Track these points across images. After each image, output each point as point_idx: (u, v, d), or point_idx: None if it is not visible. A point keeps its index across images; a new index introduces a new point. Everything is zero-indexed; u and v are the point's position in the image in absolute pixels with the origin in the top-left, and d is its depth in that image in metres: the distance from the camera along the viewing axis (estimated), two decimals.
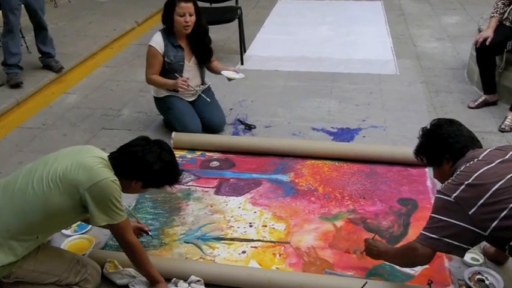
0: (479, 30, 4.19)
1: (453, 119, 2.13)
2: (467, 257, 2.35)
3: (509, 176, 1.81)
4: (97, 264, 2.25)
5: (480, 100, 3.90)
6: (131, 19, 6.28)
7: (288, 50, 5.29)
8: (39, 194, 1.94)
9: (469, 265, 2.31)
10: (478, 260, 2.34)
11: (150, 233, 2.53)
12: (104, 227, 2.04)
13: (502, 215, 1.76)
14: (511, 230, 1.77)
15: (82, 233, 2.61)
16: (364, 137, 3.54)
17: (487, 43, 3.70)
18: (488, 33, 3.72)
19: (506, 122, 3.56)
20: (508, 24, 3.74)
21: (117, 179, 2.01)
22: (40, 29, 4.55)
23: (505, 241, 1.81)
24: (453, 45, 5.29)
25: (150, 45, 3.39)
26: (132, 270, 2.26)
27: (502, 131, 3.53)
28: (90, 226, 2.63)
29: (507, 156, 1.90)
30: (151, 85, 3.57)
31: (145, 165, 2.06)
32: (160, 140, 2.20)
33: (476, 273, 2.21)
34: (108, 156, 2.09)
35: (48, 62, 4.70)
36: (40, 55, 4.71)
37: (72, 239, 2.56)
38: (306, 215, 2.75)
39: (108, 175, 1.98)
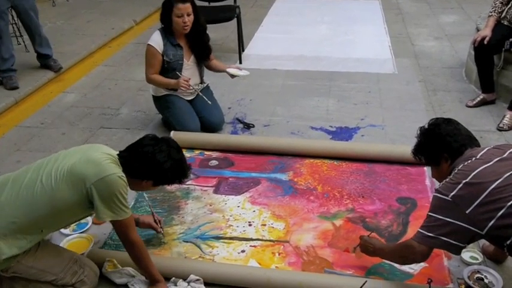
0: (477, 29, 4.19)
1: (451, 118, 2.14)
2: (467, 255, 2.35)
3: (507, 174, 1.81)
4: (95, 266, 2.24)
5: (478, 99, 3.90)
6: (129, 18, 6.27)
7: (287, 49, 5.29)
8: (47, 188, 1.96)
9: (468, 264, 2.32)
10: (477, 259, 2.35)
11: (162, 231, 2.55)
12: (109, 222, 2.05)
13: (499, 214, 1.77)
14: (508, 228, 1.77)
15: (81, 232, 2.61)
16: (362, 135, 3.54)
17: (485, 42, 3.70)
18: (486, 32, 3.72)
19: (504, 121, 3.56)
20: (506, 23, 3.75)
21: (124, 175, 2.02)
22: (35, 31, 4.45)
23: (503, 239, 1.81)
24: (451, 44, 5.30)
25: (149, 44, 3.38)
26: (131, 270, 2.26)
27: (500, 129, 3.54)
28: (89, 225, 2.64)
29: (505, 155, 1.90)
30: (151, 84, 3.56)
31: (156, 165, 2.07)
32: (168, 138, 2.22)
33: (476, 271, 2.21)
34: (118, 154, 2.11)
35: (46, 62, 4.67)
36: (37, 55, 4.67)
37: (71, 238, 2.56)
38: (305, 214, 2.75)
39: (115, 171, 1.99)
